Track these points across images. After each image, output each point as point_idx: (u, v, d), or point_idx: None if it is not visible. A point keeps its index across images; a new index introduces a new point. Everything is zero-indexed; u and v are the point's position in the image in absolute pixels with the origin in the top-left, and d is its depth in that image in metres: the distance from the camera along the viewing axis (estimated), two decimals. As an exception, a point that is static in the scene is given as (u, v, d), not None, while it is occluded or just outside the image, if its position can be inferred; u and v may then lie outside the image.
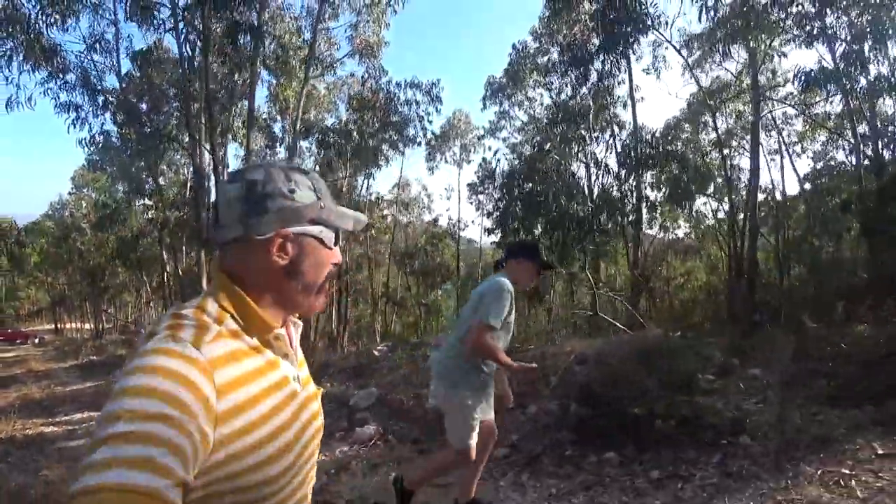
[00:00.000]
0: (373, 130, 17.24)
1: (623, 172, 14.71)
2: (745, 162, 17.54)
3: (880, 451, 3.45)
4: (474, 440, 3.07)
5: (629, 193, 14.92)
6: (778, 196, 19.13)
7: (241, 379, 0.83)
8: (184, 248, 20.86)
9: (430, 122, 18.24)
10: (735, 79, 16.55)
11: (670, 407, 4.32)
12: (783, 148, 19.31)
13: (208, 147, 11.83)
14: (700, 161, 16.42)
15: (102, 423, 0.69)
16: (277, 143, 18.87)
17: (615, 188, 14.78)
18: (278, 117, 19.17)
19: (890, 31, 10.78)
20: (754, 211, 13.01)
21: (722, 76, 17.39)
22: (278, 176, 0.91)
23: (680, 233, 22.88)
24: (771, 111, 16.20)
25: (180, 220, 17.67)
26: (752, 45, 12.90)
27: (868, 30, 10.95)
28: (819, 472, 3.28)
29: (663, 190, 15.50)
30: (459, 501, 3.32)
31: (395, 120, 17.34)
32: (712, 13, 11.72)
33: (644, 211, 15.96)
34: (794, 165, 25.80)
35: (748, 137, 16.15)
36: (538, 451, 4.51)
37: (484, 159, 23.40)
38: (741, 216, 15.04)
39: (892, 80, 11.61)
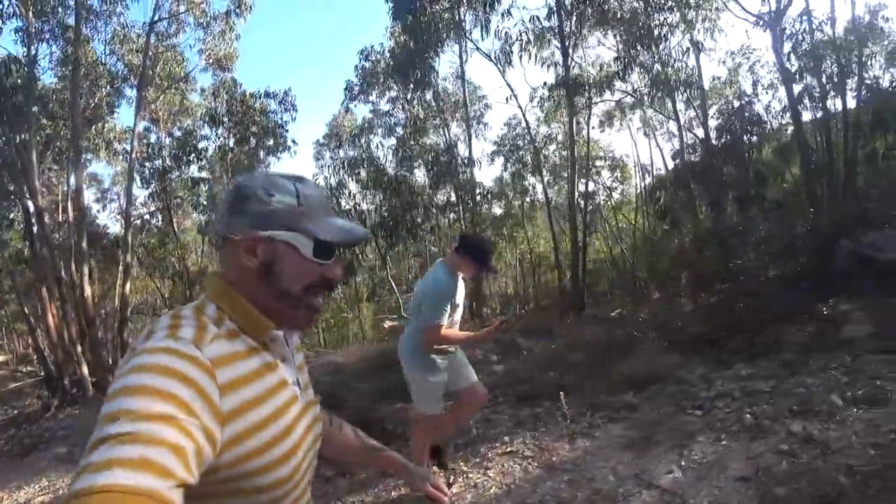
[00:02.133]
0: (232, 144, 17.41)
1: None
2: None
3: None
4: (437, 410, 3.55)
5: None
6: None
7: (242, 379, 0.83)
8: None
9: (287, 130, 18.44)
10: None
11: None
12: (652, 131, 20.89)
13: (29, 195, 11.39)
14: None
15: (102, 422, 0.68)
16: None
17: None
18: (153, 128, 18.60)
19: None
20: (572, 197, 14.09)
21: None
22: (261, 181, 0.93)
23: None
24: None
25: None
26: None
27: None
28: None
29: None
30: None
31: (255, 130, 17.50)
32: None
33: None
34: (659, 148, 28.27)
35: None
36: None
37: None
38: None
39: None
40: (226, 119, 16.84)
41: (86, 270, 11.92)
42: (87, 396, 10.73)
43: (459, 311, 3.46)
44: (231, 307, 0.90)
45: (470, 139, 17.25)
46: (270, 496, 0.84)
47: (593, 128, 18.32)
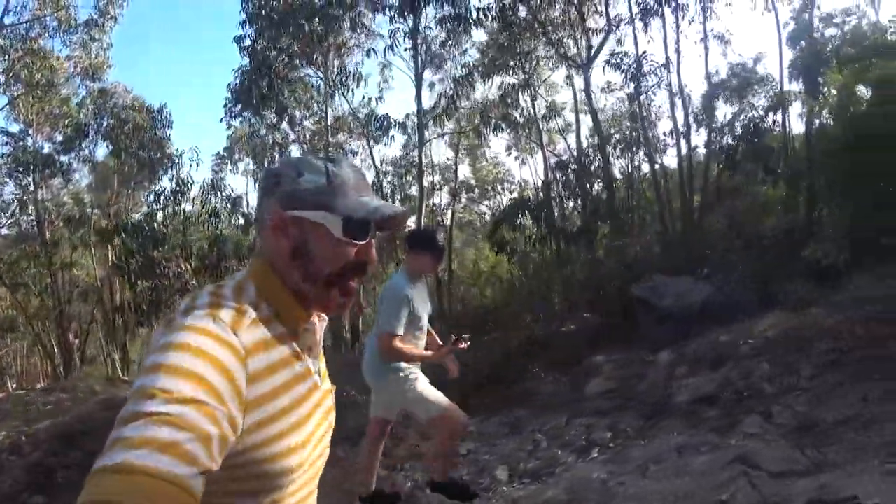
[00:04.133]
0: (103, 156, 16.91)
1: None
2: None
3: None
4: (440, 406, 3.13)
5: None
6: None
7: (271, 367, 0.83)
8: None
9: (170, 142, 17.72)
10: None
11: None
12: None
13: None
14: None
15: (138, 396, 0.69)
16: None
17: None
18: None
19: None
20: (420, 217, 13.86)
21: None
22: (293, 162, 0.93)
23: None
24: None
25: None
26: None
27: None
28: None
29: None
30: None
31: (129, 144, 16.64)
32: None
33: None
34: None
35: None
36: None
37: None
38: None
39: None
40: (91, 132, 16.21)
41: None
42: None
43: (425, 321, 3.20)
44: (270, 291, 0.89)
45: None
46: (276, 483, 0.85)
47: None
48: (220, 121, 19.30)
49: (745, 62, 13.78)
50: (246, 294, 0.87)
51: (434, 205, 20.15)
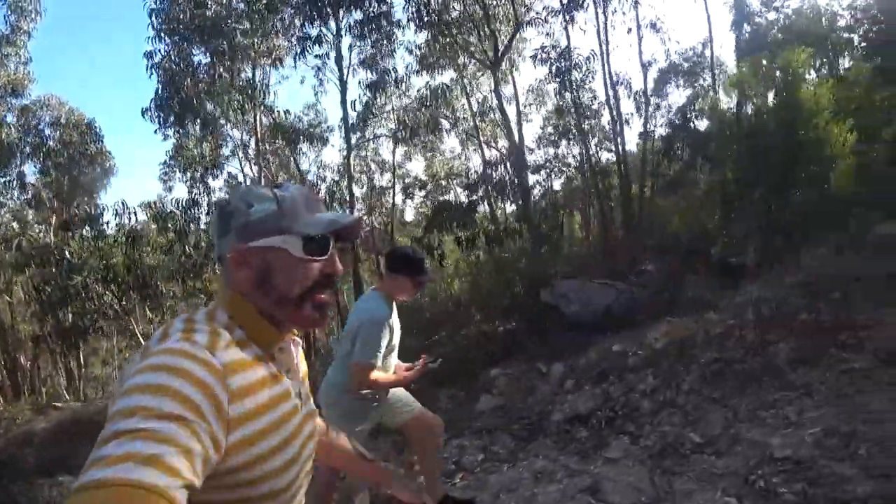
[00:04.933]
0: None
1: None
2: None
3: None
4: (411, 409, 2.98)
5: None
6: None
7: (251, 387, 0.84)
8: None
9: (107, 156, 17.87)
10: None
11: None
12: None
13: None
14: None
15: (117, 416, 0.69)
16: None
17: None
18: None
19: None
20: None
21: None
22: (241, 195, 0.94)
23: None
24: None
25: None
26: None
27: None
28: None
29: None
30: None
31: (59, 160, 16.34)
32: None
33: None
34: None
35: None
36: None
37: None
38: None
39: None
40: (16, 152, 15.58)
41: None
42: None
43: (395, 352, 2.92)
44: (242, 315, 0.91)
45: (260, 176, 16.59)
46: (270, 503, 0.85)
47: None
48: (155, 132, 18.91)
49: (685, 50, 13.83)
50: (218, 319, 0.89)
51: (387, 203, 19.93)
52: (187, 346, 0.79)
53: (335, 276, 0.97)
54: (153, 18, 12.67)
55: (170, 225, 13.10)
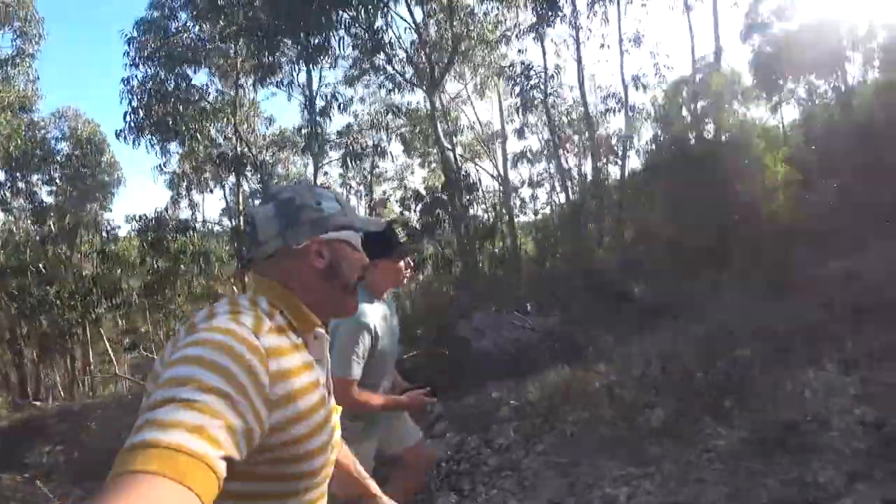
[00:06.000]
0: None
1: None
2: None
3: None
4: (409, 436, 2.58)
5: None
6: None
7: (290, 371, 0.88)
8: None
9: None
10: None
11: None
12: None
13: None
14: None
15: (169, 383, 0.74)
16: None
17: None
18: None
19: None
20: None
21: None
22: (305, 192, 1.03)
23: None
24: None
25: None
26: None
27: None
28: None
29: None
30: None
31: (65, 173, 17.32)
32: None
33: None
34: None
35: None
36: None
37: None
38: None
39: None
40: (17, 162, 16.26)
41: None
42: None
43: (389, 358, 2.40)
44: (284, 302, 0.95)
45: (239, 190, 16.80)
46: (305, 484, 0.90)
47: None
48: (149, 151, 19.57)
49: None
50: (261, 305, 0.93)
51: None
52: (234, 327, 0.83)
53: (367, 267, 1.11)
54: (129, 46, 13.17)
55: (149, 237, 13.85)
